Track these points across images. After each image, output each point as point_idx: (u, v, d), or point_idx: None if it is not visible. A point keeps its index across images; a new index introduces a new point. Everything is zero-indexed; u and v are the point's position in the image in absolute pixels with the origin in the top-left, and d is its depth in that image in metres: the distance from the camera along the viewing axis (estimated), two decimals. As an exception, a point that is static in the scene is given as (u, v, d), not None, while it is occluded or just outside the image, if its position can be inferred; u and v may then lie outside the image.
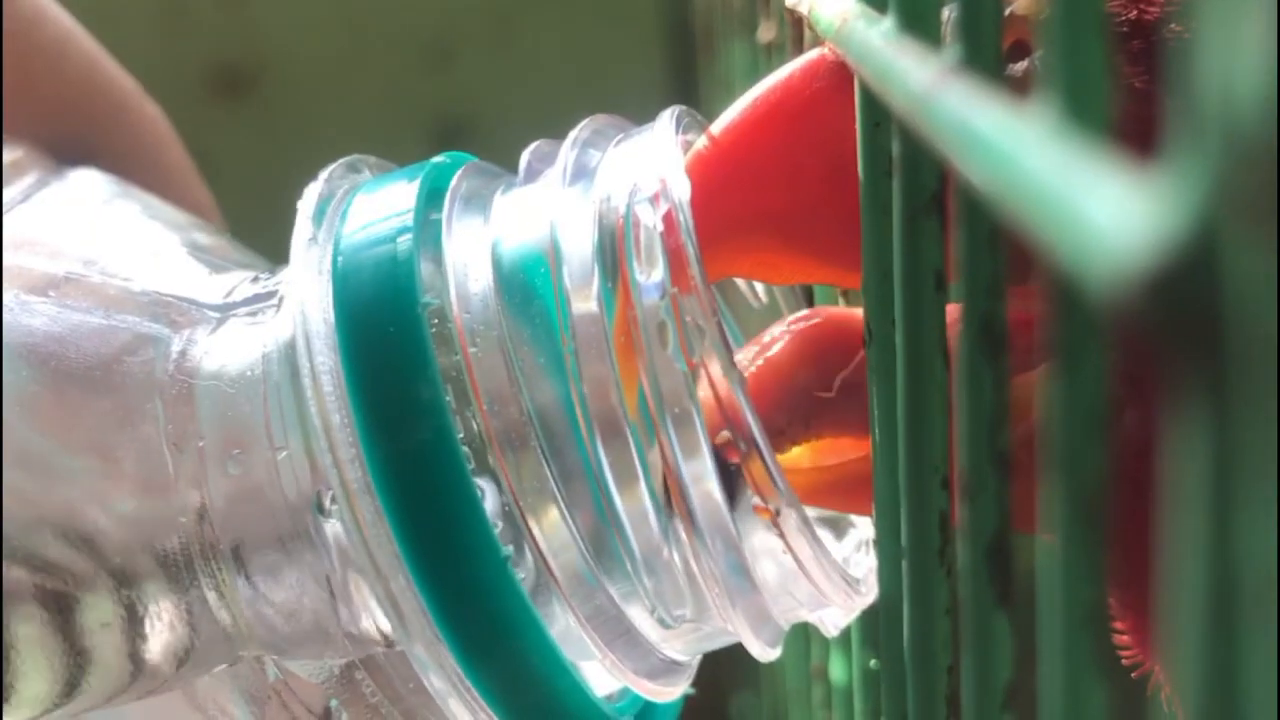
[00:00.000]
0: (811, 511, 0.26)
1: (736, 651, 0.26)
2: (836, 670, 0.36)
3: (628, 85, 0.78)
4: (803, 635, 0.41)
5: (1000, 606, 0.18)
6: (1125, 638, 0.24)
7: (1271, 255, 0.09)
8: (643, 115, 0.27)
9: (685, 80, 0.71)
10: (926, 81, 0.15)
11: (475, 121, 0.81)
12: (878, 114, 0.21)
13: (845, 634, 0.33)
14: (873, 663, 0.28)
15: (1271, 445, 0.09)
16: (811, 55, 0.24)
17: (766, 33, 0.37)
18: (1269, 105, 0.09)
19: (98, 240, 0.26)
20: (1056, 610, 0.14)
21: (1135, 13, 0.22)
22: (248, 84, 0.81)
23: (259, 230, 0.31)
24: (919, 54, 0.17)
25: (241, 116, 0.80)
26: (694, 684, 0.26)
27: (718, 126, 0.24)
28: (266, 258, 0.29)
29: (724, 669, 0.64)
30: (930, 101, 0.15)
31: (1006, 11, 0.22)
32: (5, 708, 0.23)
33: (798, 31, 0.30)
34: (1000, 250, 0.16)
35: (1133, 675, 0.24)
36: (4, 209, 0.26)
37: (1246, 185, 0.09)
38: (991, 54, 0.15)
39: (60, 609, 0.23)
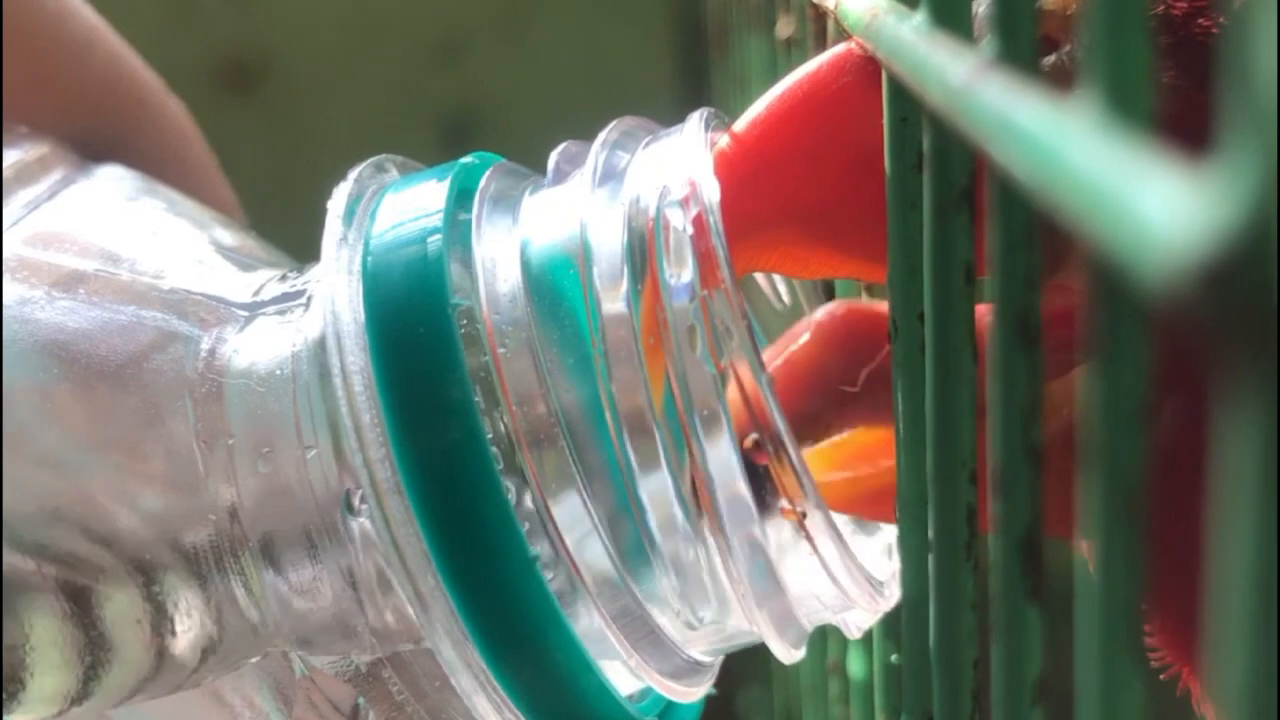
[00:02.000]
0: (839, 515, 0.26)
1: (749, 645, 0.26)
2: (855, 665, 0.36)
3: (638, 81, 0.78)
4: (819, 630, 0.41)
5: (1032, 600, 0.18)
6: (1154, 640, 0.24)
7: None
8: (653, 111, 0.27)
9: (696, 75, 0.71)
10: (964, 76, 0.15)
11: (484, 117, 0.81)
12: (906, 108, 0.21)
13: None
14: (894, 657, 0.28)
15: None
16: (838, 50, 0.24)
17: (785, 28, 0.37)
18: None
19: (125, 237, 0.26)
20: (1095, 606, 0.14)
21: (1163, 8, 0.22)
22: (256, 79, 0.81)
23: (269, 225, 0.31)
24: (953, 49, 0.17)
25: (250, 112, 0.80)
26: (715, 689, 0.27)
27: (743, 122, 0.24)
28: (278, 252, 0.29)
29: (730, 664, 0.64)
30: (969, 96, 0.15)
31: (1035, 5, 0.22)
32: (17, 704, 0.24)
33: (818, 27, 0.31)
34: (1036, 244, 0.16)
35: (1162, 677, 0.24)
36: (32, 206, 0.27)
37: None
38: (1028, 48, 0.15)
39: (82, 603, 0.23)
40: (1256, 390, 0.10)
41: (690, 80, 0.74)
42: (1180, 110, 0.17)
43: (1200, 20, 0.22)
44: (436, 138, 0.80)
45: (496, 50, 0.81)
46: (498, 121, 0.81)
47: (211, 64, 0.80)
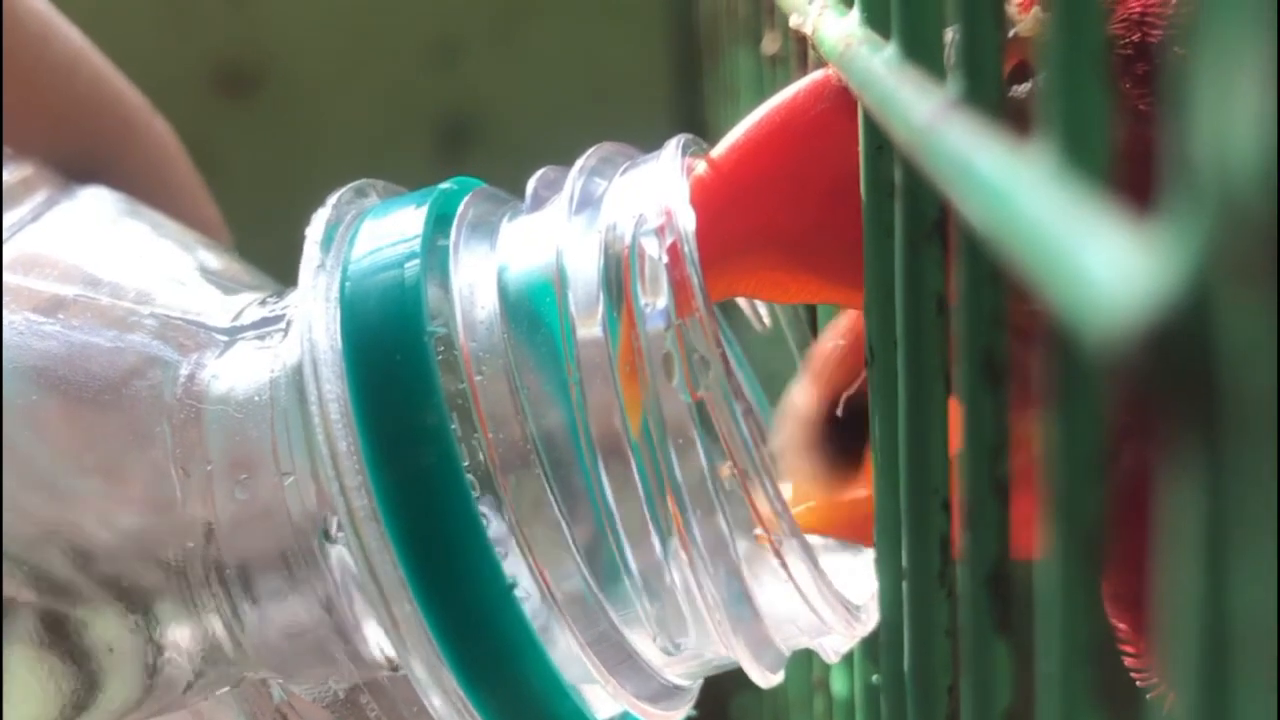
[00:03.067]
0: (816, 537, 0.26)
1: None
2: (838, 684, 0.37)
3: (633, 87, 0.78)
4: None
5: (999, 633, 0.18)
6: (1135, 660, 0.24)
7: (1264, 315, 0.09)
8: (647, 117, 0.27)
9: (691, 81, 0.71)
10: (928, 115, 0.15)
11: (480, 122, 0.81)
12: (880, 138, 0.21)
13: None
14: (874, 678, 0.28)
15: (1265, 497, 0.09)
16: (816, 76, 0.24)
17: (771, 45, 0.37)
18: (1263, 170, 0.09)
19: (107, 261, 0.26)
20: (1054, 644, 0.14)
21: (1139, 35, 0.22)
22: (253, 83, 0.81)
23: (265, 230, 0.31)
24: (921, 85, 0.17)
25: (246, 115, 0.81)
26: (695, 711, 0.27)
27: (721, 147, 0.24)
28: (271, 259, 0.29)
29: (725, 675, 0.64)
30: (931, 136, 0.15)
31: (1010, 33, 0.22)
32: None
33: (802, 46, 0.31)
34: (1001, 283, 0.16)
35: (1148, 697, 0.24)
36: (15, 229, 0.27)
37: (1240, 245, 0.09)
38: (993, 88, 0.15)
39: (58, 630, 0.24)
40: (1196, 450, 0.10)
41: (684, 86, 0.74)
42: (1158, 138, 0.17)
43: (1176, 48, 0.22)
44: (433, 142, 0.80)
45: (493, 55, 0.81)
46: (494, 126, 0.81)
47: (208, 69, 0.80)
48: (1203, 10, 0.09)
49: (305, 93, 0.81)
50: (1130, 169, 0.12)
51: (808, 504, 0.26)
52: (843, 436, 0.25)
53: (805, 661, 0.41)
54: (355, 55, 0.81)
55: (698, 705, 0.27)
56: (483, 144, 0.80)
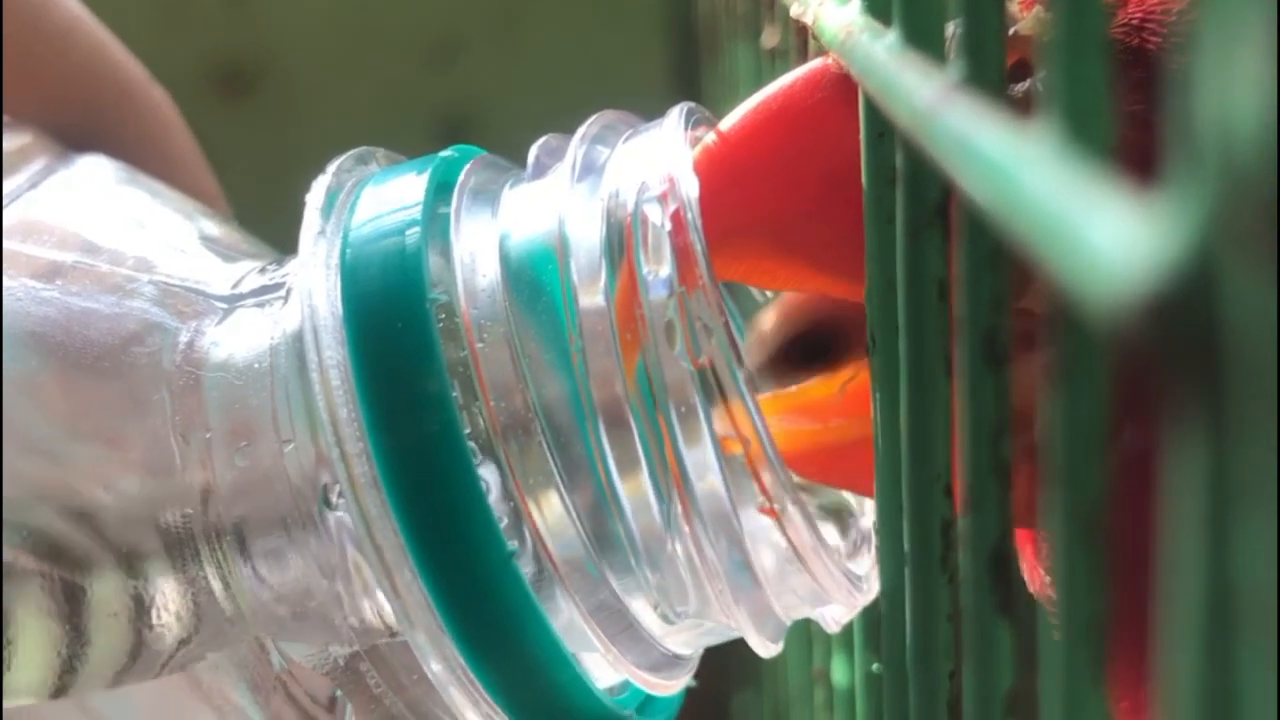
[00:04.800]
0: (818, 504, 0.27)
1: (738, 650, 0.26)
2: (838, 673, 0.37)
3: (632, 84, 0.78)
4: (805, 637, 0.41)
5: (1001, 615, 0.18)
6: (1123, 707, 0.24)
7: (1267, 284, 0.09)
8: (647, 113, 0.27)
9: (689, 79, 0.71)
10: (930, 98, 0.15)
11: (479, 120, 0.81)
12: (881, 125, 0.21)
13: (847, 636, 0.33)
14: (875, 666, 0.28)
15: (1268, 468, 0.09)
16: (815, 64, 0.24)
17: (770, 38, 0.37)
18: (1265, 136, 0.09)
19: (105, 228, 0.26)
20: (1057, 623, 0.14)
21: (1138, 41, 0.22)
22: (250, 81, 0.81)
23: (262, 228, 0.31)
24: (923, 69, 0.17)
25: (244, 114, 0.81)
26: (695, 680, 0.27)
27: (724, 125, 0.24)
28: (261, 243, 0.29)
29: (725, 667, 0.64)
30: (933, 118, 0.15)
31: (1010, 31, 0.22)
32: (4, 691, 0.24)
33: (802, 39, 0.31)
34: (1003, 266, 0.16)
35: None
36: (12, 196, 0.27)
37: (1243, 215, 0.09)
38: (995, 72, 0.15)
39: (64, 595, 0.24)
40: (1202, 422, 0.10)
41: (683, 85, 0.74)
42: (1153, 143, 0.17)
43: (1177, 56, 0.22)
44: (431, 141, 0.80)
45: (491, 54, 0.81)
46: (492, 125, 0.81)
47: (207, 66, 0.80)
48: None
49: (303, 92, 0.81)
50: (1126, 172, 0.12)
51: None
52: (799, 358, 0.25)
53: (806, 653, 0.42)
54: (353, 54, 0.81)
55: (699, 704, 0.28)
56: (481, 143, 0.80)
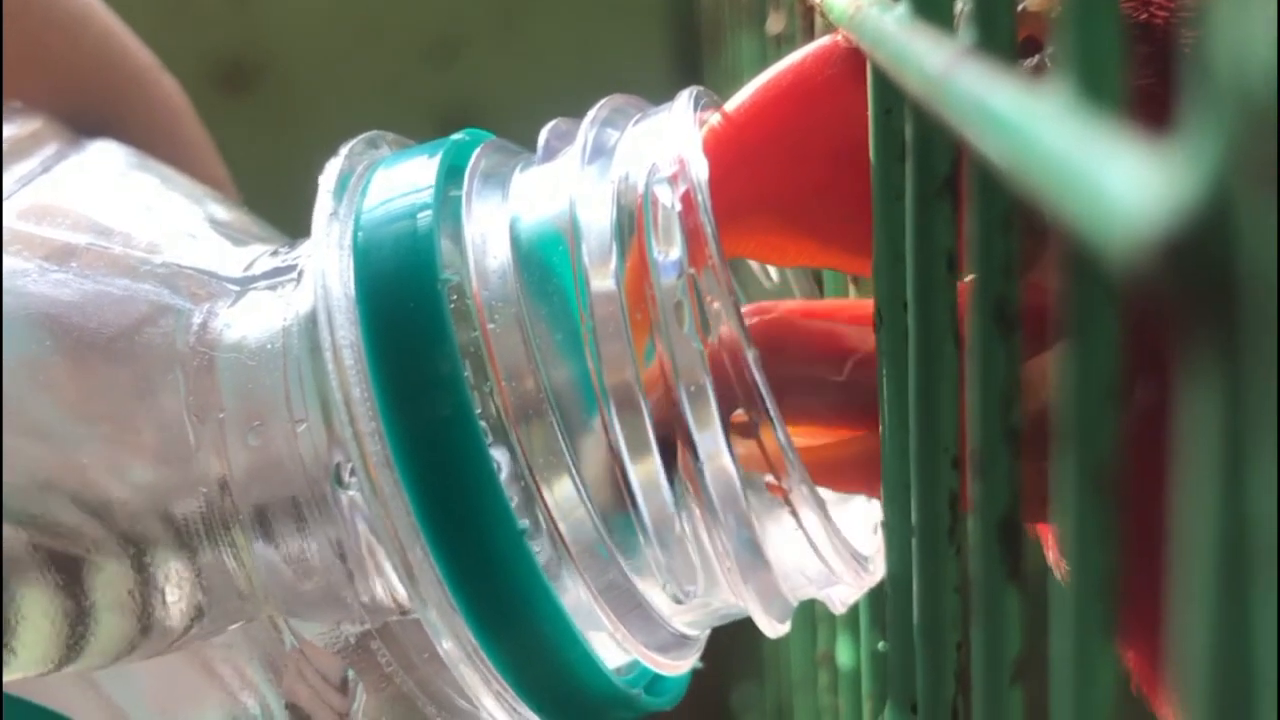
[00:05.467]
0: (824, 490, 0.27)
1: (738, 642, 0.26)
2: (844, 654, 0.37)
3: (633, 79, 0.78)
4: (809, 622, 0.41)
5: (1010, 582, 0.18)
6: (1134, 665, 0.24)
7: (1283, 222, 0.09)
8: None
9: (690, 74, 0.72)
10: (942, 63, 0.16)
11: (480, 116, 0.81)
12: (890, 100, 0.21)
13: (853, 617, 0.33)
14: (881, 645, 0.28)
15: (1282, 407, 0.10)
16: (824, 41, 0.24)
17: (776, 24, 0.37)
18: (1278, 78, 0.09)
19: (118, 211, 0.27)
20: (1069, 580, 0.14)
21: (1145, 16, 0.22)
22: (252, 78, 0.81)
23: (266, 222, 0.31)
24: (933, 38, 0.17)
25: (246, 111, 0.81)
26: (694, 675, 0.27)
27: (730, 106, 0.24)
28: (270, 227, 0.30)
29: (725, 660, 0.64)
30: (947, 82, 0.15)
31: (1020, 7, 0.22)
32: (4, 667, 0.24)
33: (807, 22, 0.31)
34: (1014, 232, 0.16)
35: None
36: (25, 180, 0.27)
37: (1258, 154, 0.09)
38: (1006, 38, 0.16)
39: (73, 574, 0.24)
40: (1216, 362, 0.10)
41: (685, 78, 0.74)
42: (1160, 117, 0.17)
43: (1184, 30, 0.22)
44: (432, 137, 0.81)
45: (493, 49, 0.81)
46: (494, 120, 0.80)
47: (208, 63, 0.81)
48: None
49: (304, 88, 0.81)
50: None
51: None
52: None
53: (809, 638, 0.42)
54: (355, 52, 0.81)
55: (699, 698, 0.28)
56: (483, 138, 0.80)
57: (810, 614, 0.41)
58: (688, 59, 0.74)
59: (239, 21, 0.80)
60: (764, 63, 0.41)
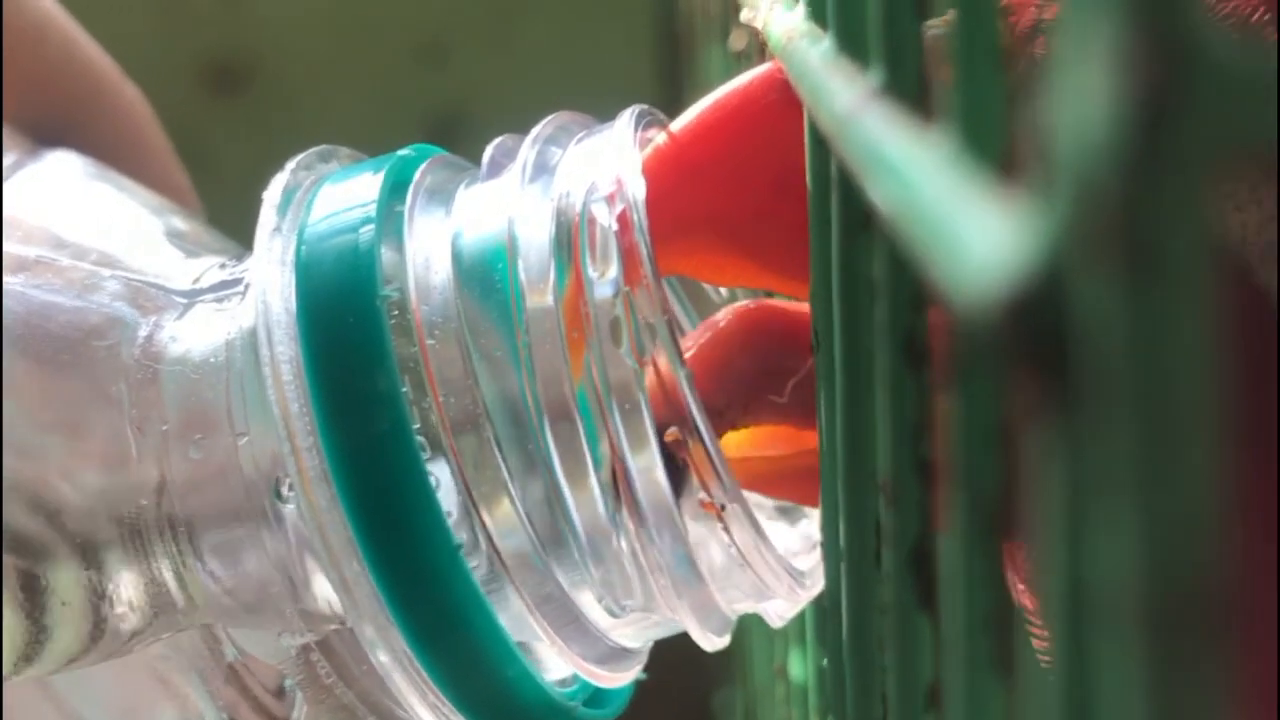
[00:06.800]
0: (768, 500, 0.27)
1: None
2: (795, 668, 0.37)
3: (621, 84, 0.78)
4: (768, 633, 0.42)
5: (922, 609, 0.18)
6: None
7: (1114, 290, 0.10)
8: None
9: (675, 81, 0.72)
10: (848, 104, 0.16)
11: (469, 119, 0.81)
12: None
13: (803, 632, 0.34)
14: (825, 661, 0.28)
15: (1115, 464, 0.10)
16: (768, 67, 0.24)
17: (738, 41, 0.37)
18: (1114, 150, 0.09)
19: (71, 223, 0.27)
20: (957, 615, 0.14)
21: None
22: (242, 80, 0.81)
23: (253, 225, 0.31)
24: (848, 76, 0.17)
25: (236, 113, 0.81)
26: (676, 678, 0.27)
27: (677, 125, 0.25)
28: (228, 240, 0.30)
29: (706, 665, 0.65)
30: (849, 124, 0.16)
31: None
32: None
33: (763, 42, 0.31)
34: (921, 267, 0.16)
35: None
36: None
37: (1093, 223, 0.10)
38: (911, 80, 0.16)
39: (32, 590, 0.24)
40: (1053, 419, 0.10)
41: (671, 84, 0.75)
42: None
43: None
44: (422, 138, 0.81)
45: (482, 53, 0.81)
46: (483, 123, 0.81)
47: (198, 65, 0.81)
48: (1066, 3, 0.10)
49: (295, 90, 0.81)
50: None
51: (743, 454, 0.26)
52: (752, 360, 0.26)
53: (768, 650, 0.42)
54: (345, 54, 0.81)
55: (679, 704, 0.28)
56: (472, 142, 0.80)
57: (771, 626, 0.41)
58: (674, 64, 0.74)
59: (230, 23, 0.81)
60: (728, 78, 0.41)
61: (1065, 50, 0.10)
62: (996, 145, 0.13)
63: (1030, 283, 0.10)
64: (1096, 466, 0.10)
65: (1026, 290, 0.10)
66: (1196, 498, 0.09)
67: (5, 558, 0.24)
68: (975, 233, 0.11)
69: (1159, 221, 0.09)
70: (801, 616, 0.30)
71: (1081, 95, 0.10)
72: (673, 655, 0.29)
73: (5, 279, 0.25)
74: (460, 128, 0.81)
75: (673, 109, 0.26)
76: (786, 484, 0.26)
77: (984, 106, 0.13)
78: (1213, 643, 0.10)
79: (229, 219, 0.35)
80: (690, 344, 0.26)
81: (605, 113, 0.27)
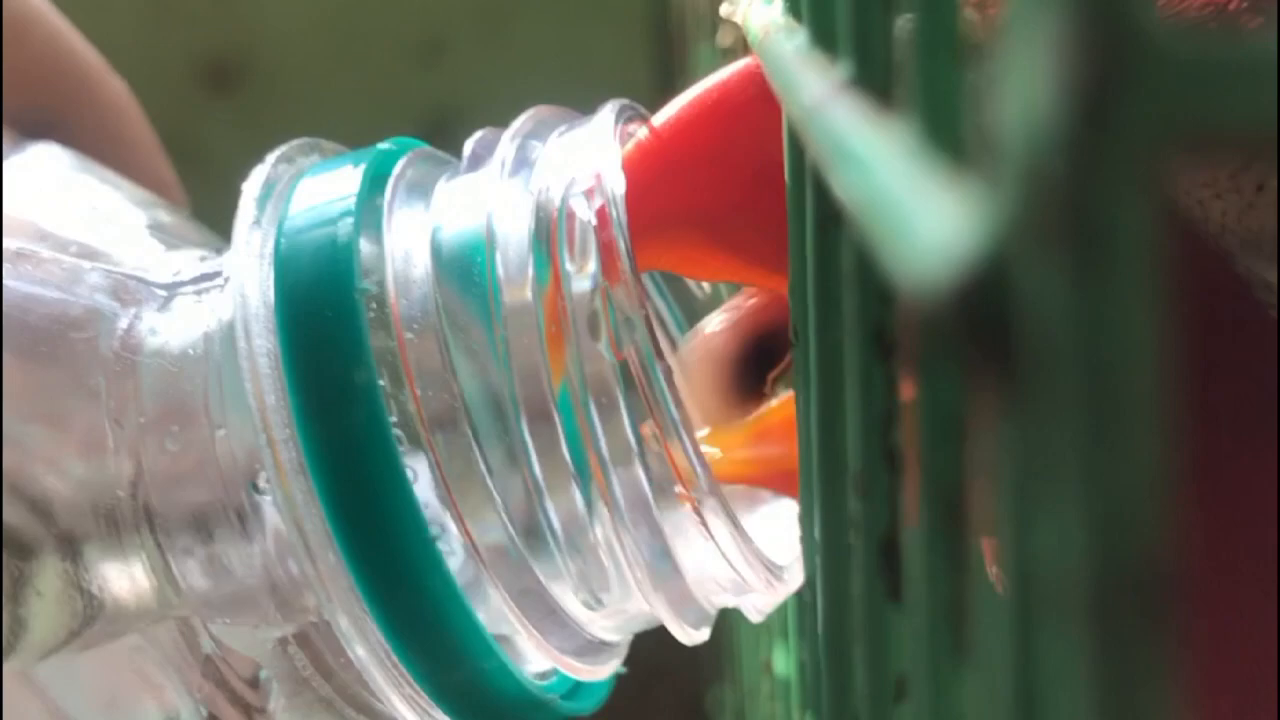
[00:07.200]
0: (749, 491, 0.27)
1: (712, 642, 0.26)
2: (779, 662, 0.37)
3: (616, 81, 0.78)
4: (754, 629, 0.42)
5: (891, 601, 0.18)
6: None
7: (1058, 277, 0.10)
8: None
9: (670, 79, 0.72)
10: (815, 97, 0.16)
11: (465, 116, 0.81)
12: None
13: (786, 627, 0.34)
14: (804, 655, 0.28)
15: (1059, 450, 0.10)
16: (749, 61, 0.24)
17: (725, 37, 0.38)
18: (1057, 137, 0.09)
19: (53, 215, 0.27)
20: (920, 605, 0.15)
21: None
22: (237, 77, 0.81)
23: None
24: (820, 69, 0.17)
25: (230, 110, 0.81)
26: (668, 676, 0.27)
27: (658, 120, 0.25)
28: (212, 233, 0.30)
29: (701, 661, 0.65)
30: (815, 116, 0.16)
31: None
32: None
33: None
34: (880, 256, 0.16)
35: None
36: None
37: (1037, 210, 0.10)
38: (879, 70, 0.16)
39: (19, 584, 0.24)
40: (999, 405, 0.10)
41: (666, 81, 0.75)
42: None
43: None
44: (417, 137, 0.81)
45: (477, 51, 0.81)
46: (478, 122, 0.81)
47: (193, 62, 0.81)
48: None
49: (290, 88, 0.81)
50: None
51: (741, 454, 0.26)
52: (749, 376, 0.26)
53: (755, 646, 0.42)
54: (340, 52, 0.81)
55: (673, 699, 0.28)
56: (466, 139, 0.80)
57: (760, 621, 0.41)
58: (667, 62, 0.74)
59: (225, 21, 0.81)
60: (718, 73, 0.41)
61: (1010, 38, 0.10)
62: (956, 135, 0.13)
63: (975, 268, 0.10)
64: (1041, 452, 0.10)
65: (972, 276, 0.10)
66: (1138, 483, 0.09)
67: (8, 558, 0.24)
68: (926, 220, 0.11)
69: (1102, 207, 0.09)
70: (786, 612, 0.30)
71: (1026, 82, 0.10)
72: (666, 653, 0.29)
73: None
74: (455, 125, 0.81)
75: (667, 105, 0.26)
76: (784, 480, 0.26)
77: (944, 96, 0.13)
78: (1155, 627, 0.10)
79: (223, 215, 0.35)
80: (686, 353, 0.26)
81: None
